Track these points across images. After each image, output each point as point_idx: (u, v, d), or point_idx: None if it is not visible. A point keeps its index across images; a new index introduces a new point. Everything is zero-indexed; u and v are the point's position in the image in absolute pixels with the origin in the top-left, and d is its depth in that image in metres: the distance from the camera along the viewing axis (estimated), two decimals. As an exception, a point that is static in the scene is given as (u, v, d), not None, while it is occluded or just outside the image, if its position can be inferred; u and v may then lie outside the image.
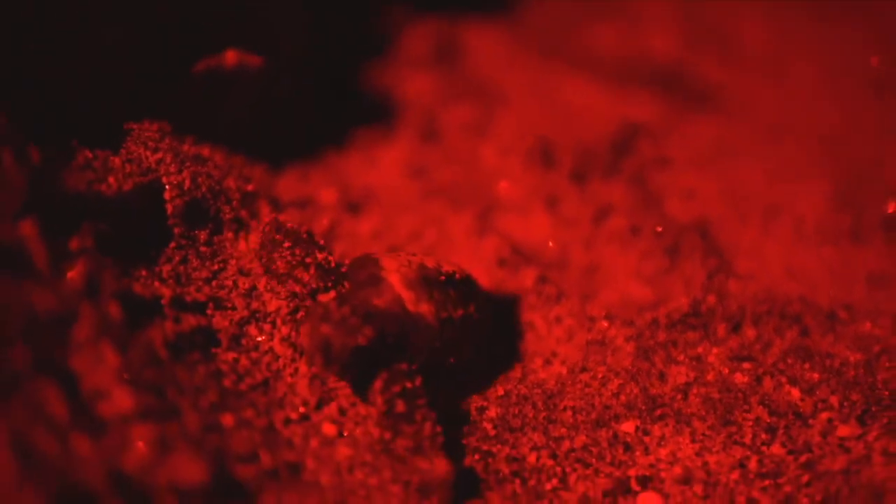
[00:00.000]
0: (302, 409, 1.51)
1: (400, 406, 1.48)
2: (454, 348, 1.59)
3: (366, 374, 1.50)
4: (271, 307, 1.58)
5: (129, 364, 1.36)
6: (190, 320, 1.51)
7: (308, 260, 1.57)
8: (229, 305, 1.58)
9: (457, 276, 1.61)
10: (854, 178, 2.08)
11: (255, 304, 1.61)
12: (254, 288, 1.62)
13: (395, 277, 1.55)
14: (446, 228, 1.90)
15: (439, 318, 1.56)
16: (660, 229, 1.87)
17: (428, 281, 1.57)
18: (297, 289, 1.56)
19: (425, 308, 1.55)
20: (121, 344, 1.38)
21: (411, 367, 1.51)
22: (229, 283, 1.62)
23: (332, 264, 1.58)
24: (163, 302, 1.50)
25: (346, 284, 1.56)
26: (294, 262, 1.57)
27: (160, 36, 1.75)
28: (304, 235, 1.61)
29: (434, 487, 1.42)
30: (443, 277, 1.59)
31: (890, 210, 1.93)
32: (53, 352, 1.33)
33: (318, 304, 1.49)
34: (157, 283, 1.54)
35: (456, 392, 1.62)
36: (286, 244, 1.59)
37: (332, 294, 1.54)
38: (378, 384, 1.49)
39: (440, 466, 1.43)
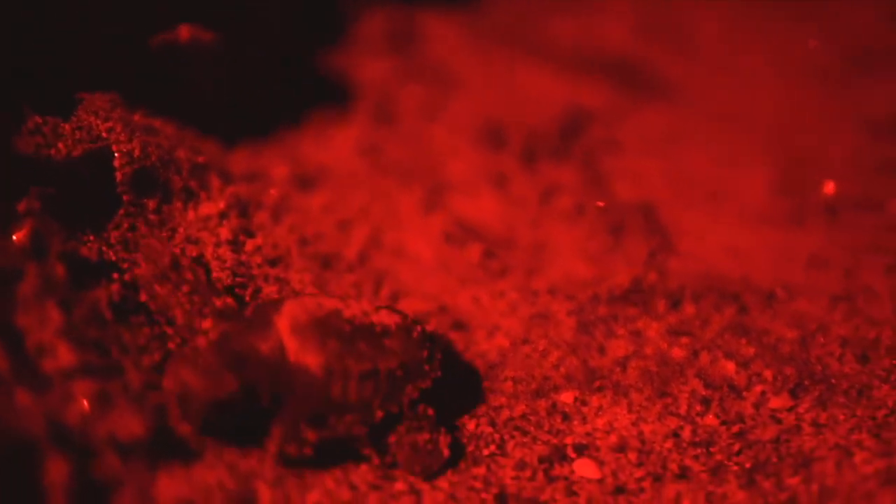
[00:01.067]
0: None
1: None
2: (350, 405, 1.44)
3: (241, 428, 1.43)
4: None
5: (72, 322, 1.39)
6: (135, 284, 1.54)
7: (206, 310, 1.49)
8: (178, 274, 1.61)
9: (381, 326, 1.48)
10: (797, 163, 2.13)
11: (203, 275, 1.64)
12: (201, 255, 1.65)
13: (284, 322, 1.43)
14: (395, 204, 1.94)
15: (328, 370, 1.42)
16: (601, 204, 1.91)
17: (325, 328, 1.43)
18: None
19: (310, 359, 1.42)
20: (65, 303, 1.41)
21: (300, 434, 1.41)
22: (177, 250, 1.65)
23: (234, 306, 1.49)
24: (109, 265, 1.53)
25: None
26: (192, 311, 1.50)
27: (122, 7, 1.78)
28: (204, 279, 1.53)
29: None
30: (353, 327, 1.45)
31: (826, 190, 1.98)
32: (-2, 308, 1.36)
33: (189, 346, 1.43)
34: (104, 248, 1.57)
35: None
36: (184, 288, 1.52)
37: (215, 339, 1.43)
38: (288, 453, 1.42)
39: None
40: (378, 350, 1.45)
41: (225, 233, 1.72)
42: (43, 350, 1.37)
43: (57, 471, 1.27)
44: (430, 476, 1.49)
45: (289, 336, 1.42)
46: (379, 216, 1.93)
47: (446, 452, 1.49)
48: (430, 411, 1.50)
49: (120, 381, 1.40)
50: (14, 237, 1.41)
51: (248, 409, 1.40)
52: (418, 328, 1.51)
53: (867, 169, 2.10)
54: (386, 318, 1.49)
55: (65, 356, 1.37)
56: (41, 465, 1.27)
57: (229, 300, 1.52)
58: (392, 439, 1.47)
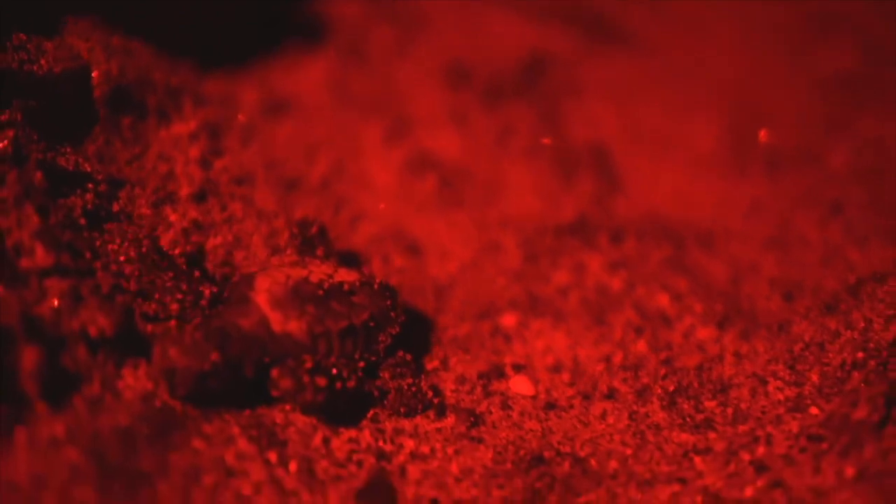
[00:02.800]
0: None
1: None
2: (336, 363, 1.56)
3: (226, 397, 1.52)
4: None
5: (49, 226, 1.52)
6: (109, 195, 1.67)
7: (181, 290, 1.58)
8: (147, 185, 1.74)
9: (346, 285, 1.60)
10: (746, 116, 2.26)
11: (170, 186, 1.77)
12: (171, 172, 1.78)
13: (262, 297, 1.55)
14: (359, 135, 2.06)
15: (312, 334, 1.56)
16: (547, 141, 2.05)
17: (301, 296, 1.56)
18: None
19: (294, 326, 1.55)
20: (42, 208, 1.53)
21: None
22: (149, 165, 1.78)
23: (208, 294, 1.58)
24: (84, 176, 1.66)
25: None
26: (172, 294, 1.58)
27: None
28: (183, 264, 1.61)
29: None
30: (323, 291, 1.58)
31: (761, 138, 2.12)
32: (-21, 208, 1.49)
33: (172, 326, 1.53)
34: (80, 160, 1.69)
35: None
36: (169, 274, 1.59)
37: (196, 319, 1.55)
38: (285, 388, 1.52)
39: None
40: (349, 307, 1.59)
41: (195, 152, 1.84)
42: (21, 249, 1.50)
43: (30, 359, 1.41)
44: (413, 416, 1.63)
45: (270, 309, 1.54)
46: (343, 145, 2.05)
47: (430, 394, 1.62)
48: (409, 357, 1.65)
49: (91, 282, 1.53)
50: (-4, 144, 1.54)
51: (233, 381, 1.51)
52: (377, 281, 1.65)
53: (811, 124, 2.23)
54: (348, 277, 1.62)
55: (41, 256, 1.49)
56: (16, 352, 1.40)
57: (214, 289, 1.62)
58: (377, 383, 1.61)
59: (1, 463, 1.36)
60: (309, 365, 1.54)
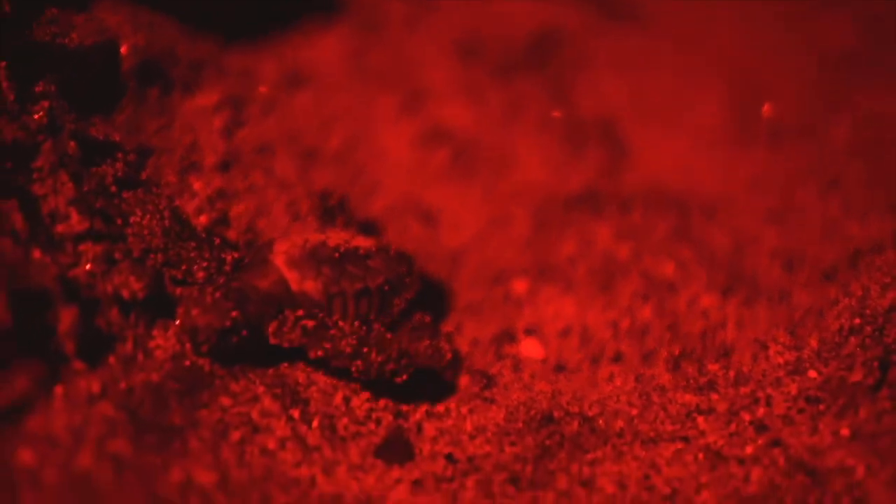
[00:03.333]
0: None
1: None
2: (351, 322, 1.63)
3: (248, 355, 1.60)
4: None
5: (82, 193, 1.60)
6: (137, 164, 1.75)
7: (205, 258, 1.66)
8: (173, 155, 1.82)
9: (362, 250, 1.68)
10: (749, 90, 2.33)
11: (195, 156, 1.85)
12: (196, 142, 1.86)
13: (280, 259, 1.63)
14: (375, 107, 2.14)
15: (328, 294, 1.63)
16: (557, 114, 2.12)
17: (317, 259, 1.63)
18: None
19: (310, 286, 1.62)
20: (76, 176, 1.61)
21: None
22: (175, 135, 1.86)
23: (230, 259, 1.66)
24: (114, 145, 1.73)
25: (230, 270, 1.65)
26: (197, 262, 1.65)
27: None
28: (203, 233, 1.69)
29: None
30: (339, 254, 1.65)
31: (764, 111, 2.19)
32: (18, 177, 1.56)
33: (195, 288, 1.61)
34: (110, 130, 1.77)
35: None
36: (191, 244, 1.66)
37: (218, 280, 1.61)
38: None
39: None
40: (365, 270, 1.66)
41: (218, 123, 1.92)
42: (56, 216, 1.58)
43: (67, 319, 1.49)
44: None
45: (287, 269, 1.62)
46: (358, 117, 2.12)
47: (449, 355, 1.69)
48: (427, 318, 1.71)
49: (123, 246, 1.61)
50: (33, 114, 1.61)
51: (254, 339, 1.59)
52: (393, 247, 1.72)
53: (813, 99, 2.30)
54: (364, 243, 1.70)
55: (76, 222, 1.57)
56: (54, 313, 1.49)
57: (236, 254, 1.69)
58: (396, 347, 1.66)
59: (41, 418, 1.44)
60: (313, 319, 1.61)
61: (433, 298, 1.83)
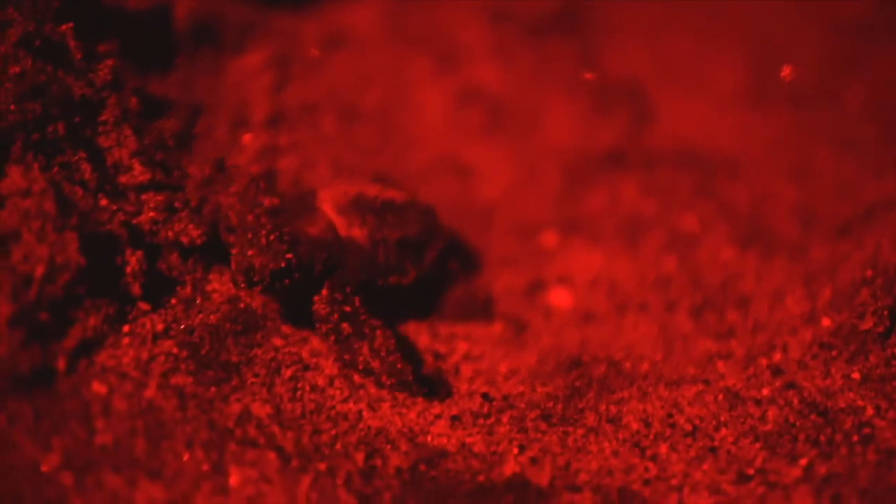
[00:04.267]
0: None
1: (346, 329, 1.67)
2: (392, 268, 1.76)
3: (298, 297, 1.68)
4: None
5: (144, 146, 1.72)
6: (191, 119, 1.87)
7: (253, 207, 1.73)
8: (223, 111, 1.94)
9: (396, 201, 1.78)
10: (769, 53, 2.44)
11: (244, 113, 1.97)
12: (244, 99, 1.98)
13: (328, 206, 1.72)
14: (411, 66, 2.25)
15: (373, 241, 1.73)
16: (590, 76, 2.23)
17: (361, 207, 1.73)
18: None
19: (357, 232, 1.72)
20: (138, 130, 1.73)
21: (346, 292, 1.68)
22: (225, 93, 1.98)
23: (268, 203, 1.73)
24: (170, 102, 1.86)
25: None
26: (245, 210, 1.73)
27: None
28: (251, 184, 1.77)
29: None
30: (379, 204, 1.75)
31: (783, 75, 2.30)
32: (85, 129, 1.69)
33: (248, 231, 1.67)
34: (166, 87, 1.89)
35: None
36: (232, 189, 1.76)
37: (267, 224, 1.68)
38: (319, 311, 1.68)
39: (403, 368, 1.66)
40: (403, 220, 1.77)
41: (265, 81, 2.04)
42: (120, 167, 1.70)
43: (134, 262, 1.61)
44: (467, 321, 1.82)
45: (335, 216, 1.71)
46: (395, 77, 2.24)
47: (481, 303, 1.82)
48: (456, 266, 1.85)
49: (182, 196, 1.73)
50: (98, 71, 1.73)
51: (303, 279, 1.68)
52: (421, 201, 1.83)
53: (829, 63, 2.41)
54: (396, 195, 1.80)
55: (138, 172, 1.70)
56: (122, 257, 1.61)
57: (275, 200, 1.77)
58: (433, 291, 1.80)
59: (111, 353, 1.57)
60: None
61: (467, 250, 1.95)
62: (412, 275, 1.78)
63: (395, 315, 1.78)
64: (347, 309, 1.68)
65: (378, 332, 1.67)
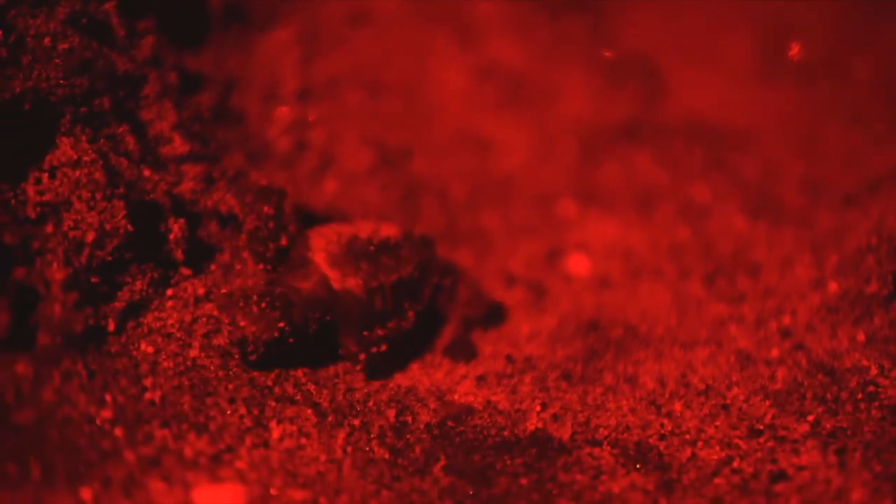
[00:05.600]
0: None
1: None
2: (390, 313, 1.72)
3: (294, 359, 1.68)
4: None
5: (183, 119, 1.83)
6: (226, 92, 1.98)
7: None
8: (255, 85, 2.05)
9: (391, 240, 1.74)
10: (780, 29, 2.53)
11: (274, 87, 2.07)
12: (274, 74, 2.08)
13: (320, 257, 1.68)
14: (432, 42, 2.35)
15: (368, 289, 1.69)
16: (609, 54, 2.33)
17: (355, 254, 1.70)
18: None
19: (352, 283, 1.68)
20: (177, 104, 1.84)
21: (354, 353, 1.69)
22: (256, 68, 2.08)
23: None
24: (205, 77, 1.96)
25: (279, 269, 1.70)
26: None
27: None
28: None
29: None
30: (374, 247, 1.71)
31: (792, 52, 2.40)
32: (128, 103, 1.79)
33: (240, 295, 1.65)
34: (201, 62, 1.99)
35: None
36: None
37: (260, 288, 1.66)
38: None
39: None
40: (398, 261, 1.73)
41: (293, 56, 2.14)
42: (160, 139, 1.80)
43: (177, 230, 1.72)
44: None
45: (328, 269, 1.68)
46: (417, 52, 2.34)
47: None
48: (445, 299, 1.82)
49: (220, 167, 1.84)
50: (140, 47, 1.83)
51: (299, 341, 1.66)
52: (415, 234, 1.81)
53: (837, 38, 2.51)
54: (391, 231, 1.76)
55: (178, 144, 1.80)
56: (165, 224, 1.72)
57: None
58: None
59: (157, 315, 1.68)
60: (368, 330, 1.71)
61: (490, 219, 2.06)
62: (411, 316, 1.75)
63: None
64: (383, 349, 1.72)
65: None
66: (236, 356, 1.65)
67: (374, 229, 1.75)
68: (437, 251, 1.83)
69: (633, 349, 1.84)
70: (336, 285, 1.68)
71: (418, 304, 1.76)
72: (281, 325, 1.63)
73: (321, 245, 1.70)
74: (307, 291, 1.67)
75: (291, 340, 1.65)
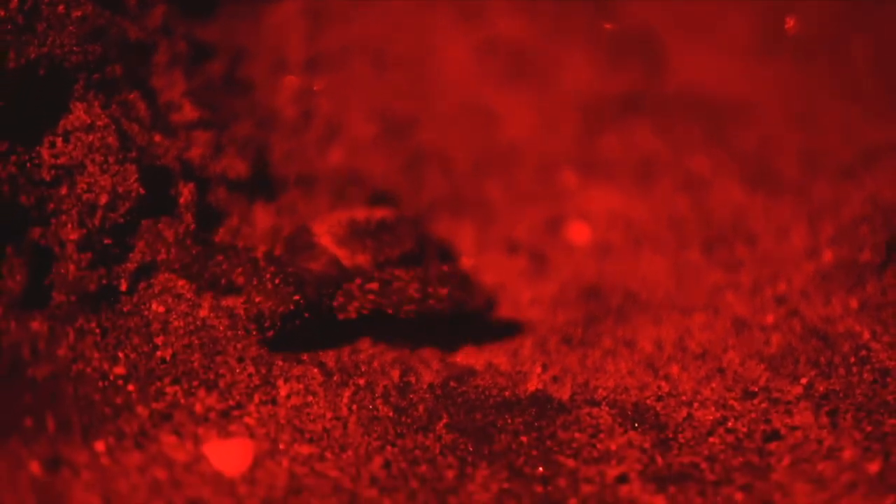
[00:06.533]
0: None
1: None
2: (396, 287, 1.73)
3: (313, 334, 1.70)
4: None
5: (193, 87, 1.88)
6: (235, 61, 2.03)
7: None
8: (263, 56, 2.10)
9: (388, 219, 1.80)
10: (777, 7, 2.58)
11: (282, 57, 2.12)
12: (282, 44, 2.13)
13: (326, 239, 1.74)
14: (436, 16, 2.39)
15: (377, 263, 1.75)
16: (609, 26, 2.38)
17: (358, 233, 1.75)
18: None
19: (361, 259, 1.74)
20: (188, 72, 1.89)
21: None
22: (264, 38, 2.13)
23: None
24: (214, 46, 2.01)
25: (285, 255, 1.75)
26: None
27: None
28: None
29: None
30: (374, 226, 1.77)
31: (788, 25, 2.45)
32: (139, 70, 1.84)
33: (253, 276, 1.69)
34: (210, 32, 2.04)
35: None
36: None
37: (271, 268, 1.70)
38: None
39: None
40: (398, 237, 1.80)
41: (300, 28, 2.19)
42: (171, 106, 1.86)
43: (186, 193, 1.78)
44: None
45: (337, 248, 1.73)
46: (421, 25, 2.39)
47: (481, 298, 1.83)
48: (445, 267, 1.83)
49: (229, 133, 1.89)
50: (151, 16, 1.88)
51: (313, 320, 1.70)
52: (407, 216, 1.87)
53: (835, 14, 2.55)
54: (385, 213, 1.81)
55: (188, 111, 1.86)
56: (176, 189, 1.78)
57: None
58: (431, 302, 1.78)
59: (167, 276, 1.74)
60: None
61: (494, 187, 2.11)
62: (414, 288, 1.75)
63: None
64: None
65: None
66: (253, 330, 1.68)
67: (368, 212, 1.81)
68: (430, 229, 1.89)
69: (633, 314, 1.90)
70: (346, 262, 1.73)
71: (420, 278, 1.77)
72: (296, 297, 1.67)
73: (324, 229, 1.75)
74: (318, 271, 1.71)
75: (307, 315, 1.68)
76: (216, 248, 1.74)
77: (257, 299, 1.66)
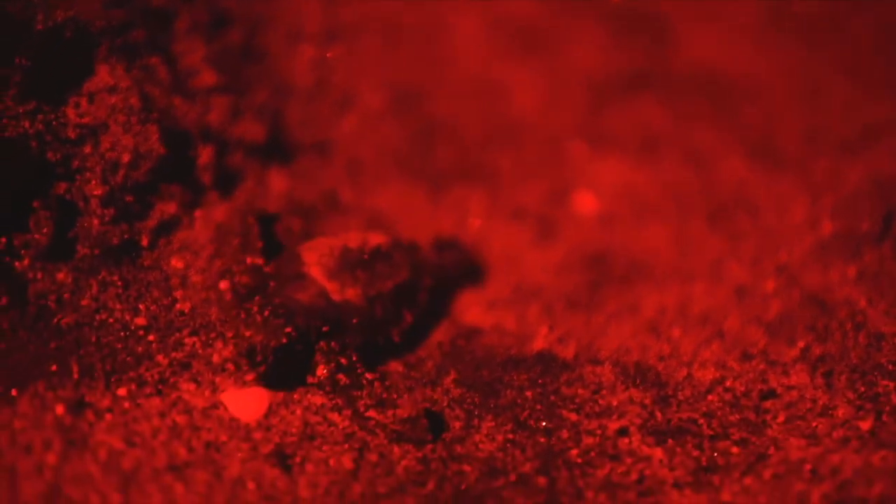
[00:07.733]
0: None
1: (342, 380, 1.65)
2: (389, 320, 1.74)
3: (301, 367, 1.67)
4: None
5: (212, 52, 1.96)
6: (252, 30, 2.11)
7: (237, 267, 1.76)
8: (281, 25, 2.18)
9: (383, 247, 1.76)
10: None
11: (299, 27, 2.20)
12: (299, 16, 2.21)
13: (316, 270, 1.71)
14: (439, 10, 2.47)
15: (368, 298, 1.72)
16: (616, 1, 2.46)
17: (350, 263, 1.72)
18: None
19: (351, 293, 1.71)
20: (207, 39, 1.97)
21: (344, 346, 1.68)
22: (282, 9, 2.21)
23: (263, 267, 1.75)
24: (233, 14, 2.09)
25: (272, 284, 1.72)
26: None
27: None
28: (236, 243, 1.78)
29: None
30: (367, 255, 1.74)
31: (793, 7, 2.53)
32: (160, 36, 1.92)
33: (241, 309, 1.67)
34: (230, 1, 2.13)
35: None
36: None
37: (257, 298, 1.68)
38: (319, 372, 1.66)
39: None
40: (392, 267, 1.76)
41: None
42: (191, 71, 1.94)
43: (205, 155, 1.86)
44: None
45: (326, 281, 1.70)
46: (422, 21, 2.46)
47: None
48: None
49: (247, 99, 1.97)
50: (172, -16, 1.97)
51: (303, 350, 1.67)
52: (402, 240, 1.82)
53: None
54: (380, 240, 1.78)
55: (207, 77, 1.94)
56: (195, 151, 1.86)
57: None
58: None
59: (186, 233, 1.82)
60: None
61: (502, 154, 2.20)
62: (409, 320, 1.77)
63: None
64: (343, 361, 1.68)
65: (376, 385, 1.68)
66: (244, 366, 1.65)
67: (363, 239, 1.77)
68: (425, 253, 1.89)
69: (637, 281, 1.98)
70: (335, 297, 1.70)
71: (415, 308, 1.80)
72: (288, 330, 1.64)
73: (314, 259, 1.72)
74: (307, 302, 1.68)
75: (299, 348, 1.66)
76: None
77: (247, 333, 1.64)
